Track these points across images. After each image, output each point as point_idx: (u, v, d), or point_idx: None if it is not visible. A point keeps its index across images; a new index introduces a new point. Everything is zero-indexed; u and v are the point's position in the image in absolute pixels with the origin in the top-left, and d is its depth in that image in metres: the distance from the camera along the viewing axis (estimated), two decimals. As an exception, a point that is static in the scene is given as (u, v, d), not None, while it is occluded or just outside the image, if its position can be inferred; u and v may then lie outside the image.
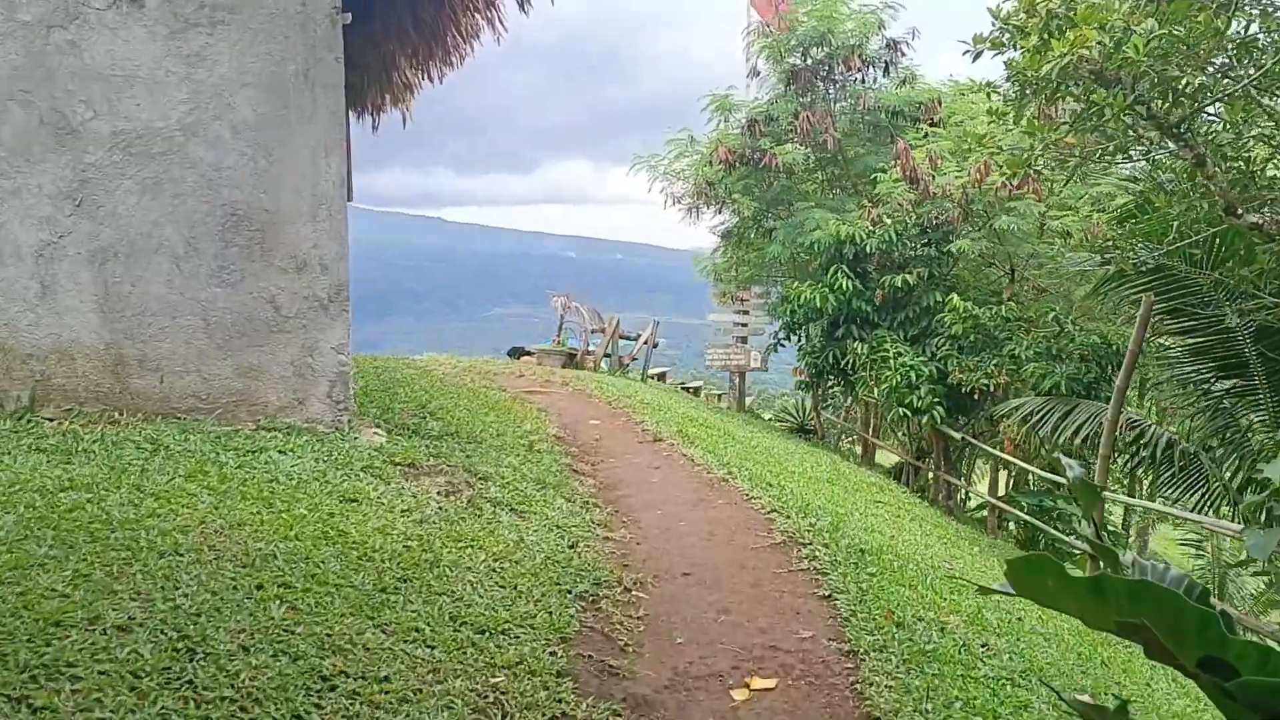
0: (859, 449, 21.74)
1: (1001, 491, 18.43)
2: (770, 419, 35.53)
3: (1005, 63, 10.28)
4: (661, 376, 27.91)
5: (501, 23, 8.12)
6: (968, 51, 10.25)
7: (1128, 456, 12.97)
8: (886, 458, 21.54)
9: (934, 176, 13.43)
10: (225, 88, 5.93)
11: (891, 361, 14.13)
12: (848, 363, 15.05)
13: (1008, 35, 9.90)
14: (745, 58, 16.78)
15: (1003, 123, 12.86)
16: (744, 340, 23.21)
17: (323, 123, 6.05)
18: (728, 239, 17.49)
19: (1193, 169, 9.32)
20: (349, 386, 6.24)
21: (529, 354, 18.24)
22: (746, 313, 22.88)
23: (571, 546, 5.41)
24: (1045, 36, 8.28)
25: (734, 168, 15.83)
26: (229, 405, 6.09)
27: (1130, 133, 9.43)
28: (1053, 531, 13.39)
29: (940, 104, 15.30)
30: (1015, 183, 12.98)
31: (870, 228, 14.57)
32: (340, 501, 5.09)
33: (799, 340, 16.95)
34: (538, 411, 9.60)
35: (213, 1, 5.88)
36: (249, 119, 5.97)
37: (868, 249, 14.44)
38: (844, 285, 14.55)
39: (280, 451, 5.66)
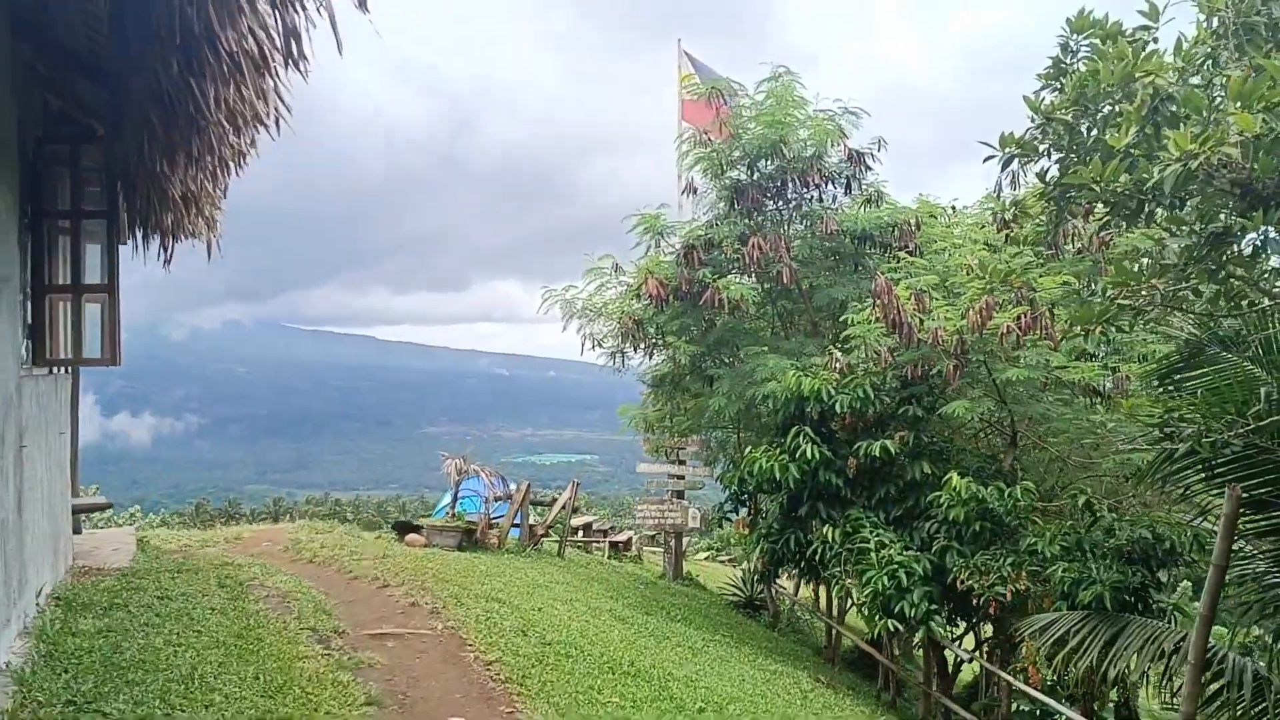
0: (819, 622, 18.30)
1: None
2: (708, 554, 31.87)
3: (1039, 175, 7.46)
4: (587, 529, 24.34)
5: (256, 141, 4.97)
6: (991, 157, 7.38)
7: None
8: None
9: (921, 320, 10.48)
10: None
11: (873, 555, 10.90)
12: (815, 551, 11.77)
13: (1050, 134, 7.06)
14: (678, 172, 13.95)
15: (1000, 249, 9.91)
16: (680, 495, 19.96)
17: None
18: (659, 388, 14.28)
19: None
20: None
21: (417, 530, 14.66)
22: (683, 463, 19.69)
23: None
24: (1147, 130, 5.38)
25: (666, 303, 12.77)
26: None
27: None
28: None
29: (918, 227, 12.53)
30: (1023, 325, 10.11)
31: (839, 380, 11.54)
32: None
33: (747, 511, 13.73)
34: (364, 706, 6.08)
35: None
36: None
37: (836, 407, 11.37)
38: (809, 453, 11.39)
39: None
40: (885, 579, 10.62)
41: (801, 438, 11.56)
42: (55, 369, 8.14)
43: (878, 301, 10.43)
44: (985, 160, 7.81)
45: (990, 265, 8.90)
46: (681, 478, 19.95)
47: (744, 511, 13.63)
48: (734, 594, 18.24)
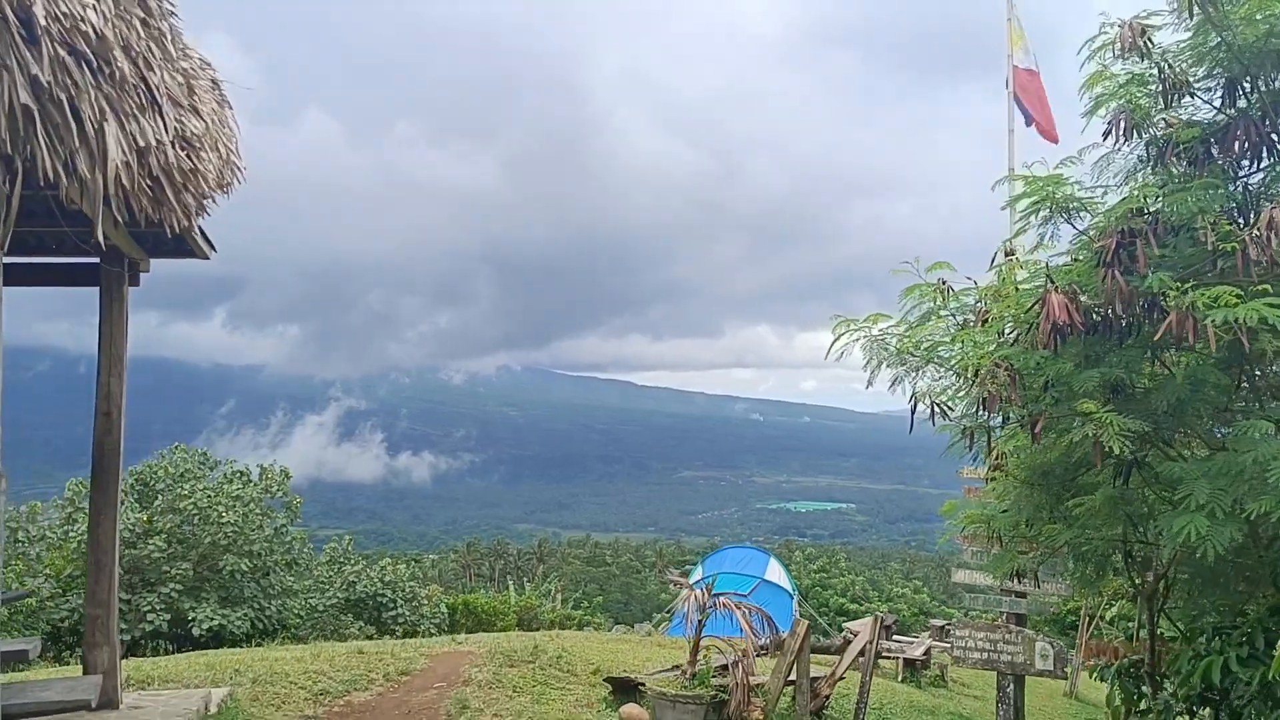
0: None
1: None
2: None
3: None
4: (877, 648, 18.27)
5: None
6: None
7: None
8: None
9: None
10: None
11: None
12: None
13: None
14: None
15: None
16: (1020, 619, 13.71)
17: None
18: (1041, 486, 8.29)
19: None
20: None
21: (637, 694, 9.48)
22: (1022, 577, 13.50)
23: None
24: None
25: (1064, 338, 6.94)
26: None
27: None
28: None
29: None
30: None
31: None
32: None
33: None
34: None
35: None
36: None
37: None
38: None
39: None
40: None
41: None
42: None
43: None
44: None
45: None
46: (1023, 596, 13.68)
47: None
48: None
